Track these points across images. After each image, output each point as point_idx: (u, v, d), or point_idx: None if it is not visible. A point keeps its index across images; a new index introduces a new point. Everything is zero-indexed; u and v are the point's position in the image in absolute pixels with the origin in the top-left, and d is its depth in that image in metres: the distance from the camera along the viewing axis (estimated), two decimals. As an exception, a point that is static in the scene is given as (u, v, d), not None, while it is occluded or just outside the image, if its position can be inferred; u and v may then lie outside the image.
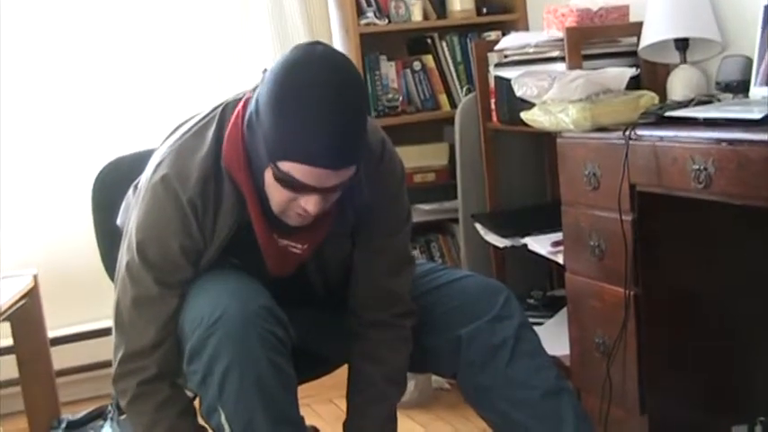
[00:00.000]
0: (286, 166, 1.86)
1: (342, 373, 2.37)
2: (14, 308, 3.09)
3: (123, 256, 2.06)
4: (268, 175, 1.92)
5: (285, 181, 1.88)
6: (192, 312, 1.98)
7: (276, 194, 1.94)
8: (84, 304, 3.57)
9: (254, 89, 2.00)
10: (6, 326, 3.22)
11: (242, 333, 1.89)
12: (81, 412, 3.22)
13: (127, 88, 3.93)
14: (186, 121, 2.13)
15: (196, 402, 2.10)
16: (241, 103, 2.01)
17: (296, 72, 1.85)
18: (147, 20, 3.93)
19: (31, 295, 3.23)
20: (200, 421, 2.08)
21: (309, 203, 1.91)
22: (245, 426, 1.91)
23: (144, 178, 2.07)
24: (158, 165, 2.03)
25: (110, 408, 3.09)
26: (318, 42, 1.94)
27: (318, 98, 1.82)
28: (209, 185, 1.99)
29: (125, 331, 2.06)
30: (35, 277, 3.26)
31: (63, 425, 3.18)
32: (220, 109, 2.07)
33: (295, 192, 1.90)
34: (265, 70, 1.98)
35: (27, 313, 3.23)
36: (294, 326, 2.02)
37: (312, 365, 2.37)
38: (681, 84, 2.84)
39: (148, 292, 2.01)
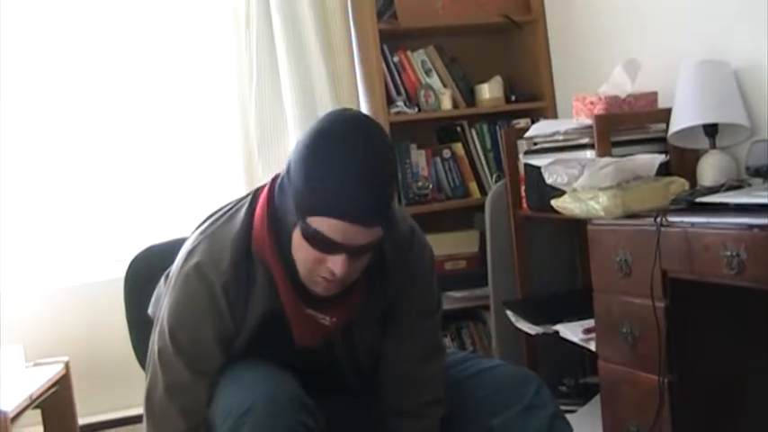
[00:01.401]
0: (314, 221, 1.86)
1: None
2: (46, 395, 3.10)
3: (155, 344, 2.06)
4: (296, 236, 1.92)
5: (313, 238, 1.88)
6: (221, 402, 1.97)
7: (303, 256, 1.94)
8: (115, 392, 3.56)
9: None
10: (37, 413, 3.22)
11: (271, 425, 1.87)
12: (110, 501, 3.21)
13: (160, 178, 3.99)
14: (218, 210, 2.14)
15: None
16: (270, 180, 2.04)
17: (328, 132, 1.88)
18: (181, 113, 3.99)
19: (63, 383, 3.24)
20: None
21: (337, 265, 1.90)
22: None
23: (175, 266, 2.08)
24: (190, 252, 2.04)
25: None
26: (348, 108, 1.98)
27: (349, 156, 1.85)
28: (241, 269, 1.99)
29: (156, 419, 2.05)
30: (66, 365, 3.27)
31: None
32: (252, 193, 2.09)
33: (322, 251, 1.90)
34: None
35: (58, 401, 3.24)
36: (326, 415, 2.00)
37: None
38: (711, 169, 2.84)
39: (180, 378, 2.01)
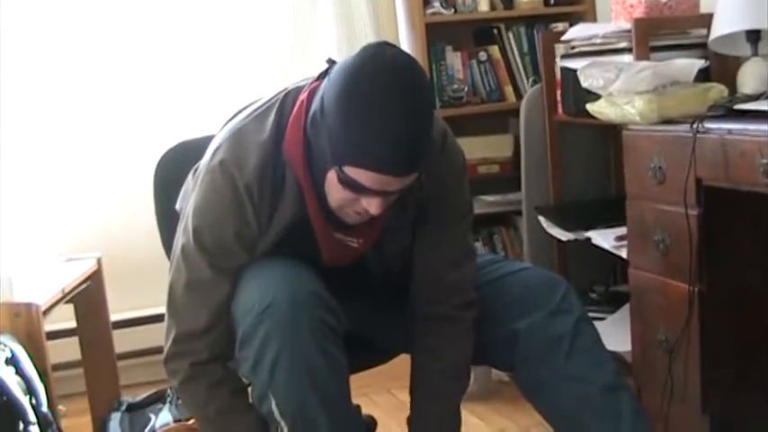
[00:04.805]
0: (351, 171, 1.85)
1: (400, 363, 2.37)
2: (78, 290, 3.13)
3: (179, 239, 2.07)
4: (330, 175, 1.91)
5: (349, 184, 1.88)
6: (243, 298, 1.98)
7: (336, 193, 1.94)
8: (147, 289, 3.58)
9: (318, 79, 1.99)
10: (70, 308, 3.25)
11: (292, 320, 1.88)
12: (141, 395, 3.25)
13: (192, 73, 3.97)
14: (247, 106, 2.13)
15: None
16: (305, 94, 2.00)
17: (365, 76, 1.83)
18: (216, 7, 3.96)
19: (95, 278, 3.26)
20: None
21: (371, 205, 1.91)
22: (294, 412, 1.90)
23: (202, 162, 2.07)
24: (216, 149, 2.03)
25: (169, 392, 3.11)
26: (387, 44, 1.91)
27: (387, 106, 1.81)
28: (267, 173, 1.98)
29: (178, 313, 2.08)
30: (99, 261, 3.29)
31: (123, 407, 3.20)
32: (282, 95, 2.06)
33: (357, 193, 1.90)
34: (330, 60, 1.97)
35: (90, 296, 3.26)
36: (352, 314, 2.01)
37: (370, 354, 2.36)
38: (751, 77, 2.77)
39: (202, 275, 2.02)
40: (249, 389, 2.04)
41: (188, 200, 2.10)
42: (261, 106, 2.07)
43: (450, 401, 2.27)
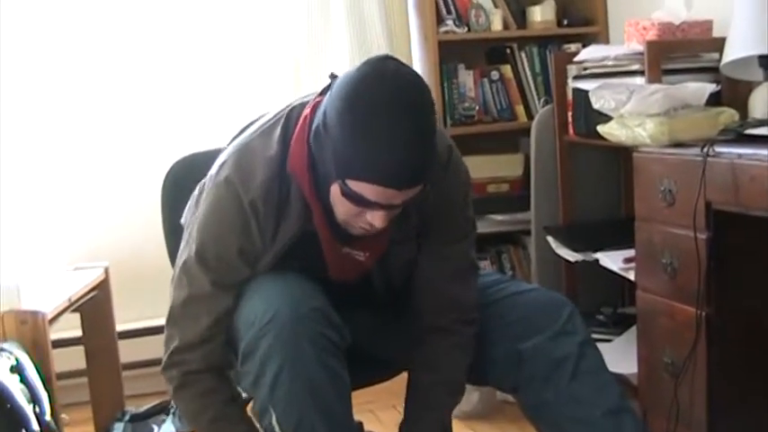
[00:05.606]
0: (355, 185, 1.85)
1: (405, 379, 2.36)
2: (85, 299, 3.13)
3: (183, 252, 2.08)
4: (334, 189, 1.91)
5: (352, 197, 1.88)
6: (245, 312, 1.99)
7: (342, 207, 1.94)
8: (154, 299, 3.56)
9: (321, 94, 1.99)
10: (76, 317, 3.26)
11: (293, 335, 1.88)
12: (145, 406, 3.25)
13: (202, 86, 3.98)
14: (254, 121, 2.14)
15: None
16: (308, 109, 2.00)
17: (367, 90, 1.83)
18: (227, 20, 3.97)
19: (102, 288, 3.26)
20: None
21: (376, 218, 1.91)
22: (294, 427, 1.90)
23: (208, 178, 2.08)
24: (222, 165, 2.04)
25: (172, 403, 3.10)
26: (389, 57, 1.91)
27: (390, 119, 1.81)
28: (273, 189, 1.98)
29: (178, 325, 2.09)
30: (106, 270, 3.29)
31: (126, 417, 3.21)
32: (287, 111, 2.07)
33: (361, 207, 1.90)
34: (333, 75, 1.97)
35: (97, 305, 3.27)
36: (356, 329, 2.01)
37: (373, 369, 2.35)
38: (763, 101, 2.77)
39: (203, 290, 2.03)
40: (244, 399, 2.05)
41: (193, 214, 2.10)
42: (267, 122, 2.07)
43: (442, 412, 2.27)
